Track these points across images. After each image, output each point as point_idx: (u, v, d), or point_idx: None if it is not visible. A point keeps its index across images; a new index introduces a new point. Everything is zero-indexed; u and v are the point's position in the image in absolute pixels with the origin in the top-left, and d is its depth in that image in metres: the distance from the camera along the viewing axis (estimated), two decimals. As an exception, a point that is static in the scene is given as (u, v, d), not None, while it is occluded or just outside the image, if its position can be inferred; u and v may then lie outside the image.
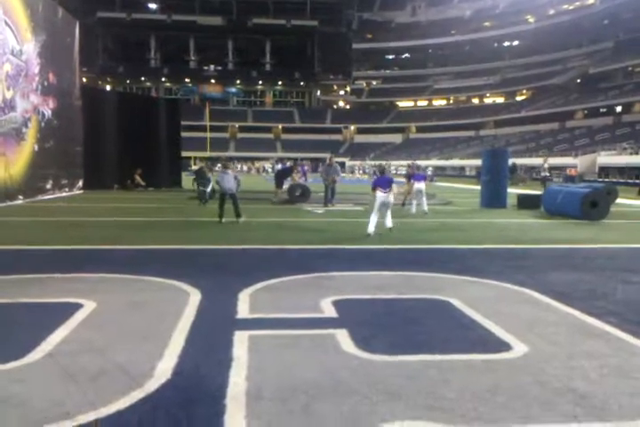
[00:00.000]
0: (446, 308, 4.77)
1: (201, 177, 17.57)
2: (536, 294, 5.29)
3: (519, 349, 3.70)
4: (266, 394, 2.91)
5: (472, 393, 2.95)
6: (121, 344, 3.69)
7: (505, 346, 3.76)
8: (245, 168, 64.36)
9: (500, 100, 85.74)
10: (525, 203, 15.86)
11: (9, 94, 15.96)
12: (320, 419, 2.66)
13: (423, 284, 5.73)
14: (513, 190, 20.00)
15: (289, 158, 71.55)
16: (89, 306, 4.58)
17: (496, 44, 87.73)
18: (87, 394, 2.89)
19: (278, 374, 3.18)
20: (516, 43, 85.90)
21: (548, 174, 26.17)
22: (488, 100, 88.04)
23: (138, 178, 23.36)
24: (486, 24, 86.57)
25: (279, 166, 49.90)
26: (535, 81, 78.31)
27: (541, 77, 77.20)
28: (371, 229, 9.43)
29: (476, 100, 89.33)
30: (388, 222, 9.84)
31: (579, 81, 72.35)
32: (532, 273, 6.37)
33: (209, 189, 16.76)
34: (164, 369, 3.23)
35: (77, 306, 4.56)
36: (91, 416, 2.65)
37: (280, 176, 18.36)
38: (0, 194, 14.92)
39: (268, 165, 65.38)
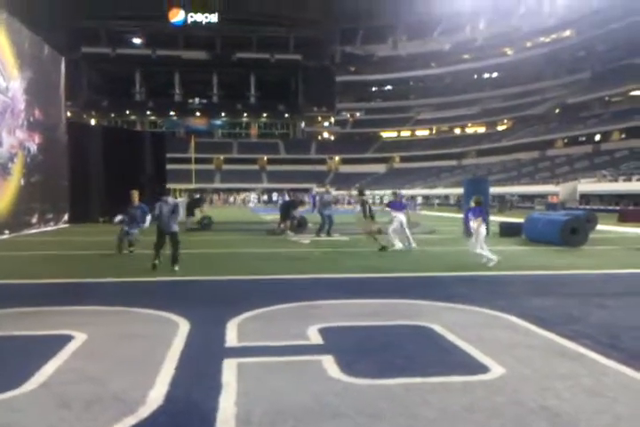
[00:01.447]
0: (428, 333, 4.93)
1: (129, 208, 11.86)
2: (515, 319, 5.48)
3: (496, 371, 3.87)
4: (254, 418, 3.04)
5: (450, 413, 3.11)
6: (113, 373, 3.80)
7: (483, 368, 3.93)
8: (232, 199, 64.50)
9: (482, 129, 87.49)
10: (507, 231, 16.16)
11: (-5, 130, 16.14)
12: (306, 440, 2.79)
13: (405, 311, 5.90)
14: (497, 218, 20.38)
15: (275, 189, 71.93)
16: (80, 338, 4.68)
17: (476, 76, 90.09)
18: (83, 421, 3.00)
19: (266, 399, 3.32)
20: (495, 74, 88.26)
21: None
22: (469, 131, 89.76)
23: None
24: (466, 56, 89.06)
25: (277, 198, 50.53)
26: (515, 111, 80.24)
27: (521, 108, 79.12)
28: (492, 257, 9.70)
29: (457, 131, 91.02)
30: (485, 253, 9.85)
31: (557, 111, 74.22)
32: (512, 299, 6.57)
33: (133, 229, 11.53)
34: (155, 396, 3.35)
35: (68, 338, 4.66)
36: (86, 442, 2.76)
37: (286, 208, 17.51)
38: (-14, 229, 14.94)
39: (253, 196, 65.62)
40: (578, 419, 3.07)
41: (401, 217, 12.56)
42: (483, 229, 9.84)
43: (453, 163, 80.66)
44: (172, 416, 3.07)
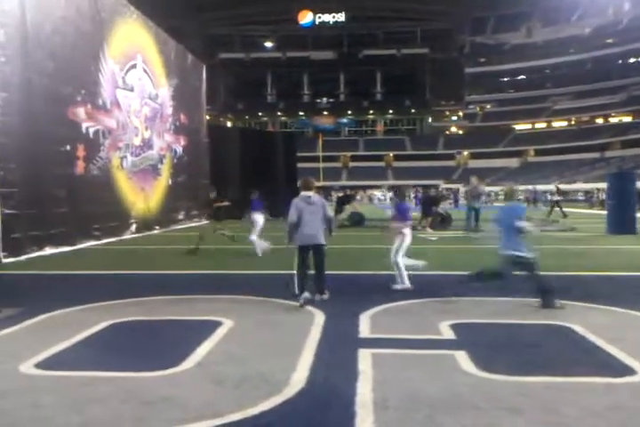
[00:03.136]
0: (568, 333, 4.76)
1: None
2: (666, 322, 5.12)
3: (644, 374, 3.68)
4: (391, 404, 3.17)
5: (592, 412, 3.03)
6: (259, 356, 4.13)
7: (628, 370, 3.74)
8: (359, 197, 64.42)
9: (628, 118, 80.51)
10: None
11: (147, 134, 17.78)
12: (443, 428, 2.88)
13: (543, 310, 5.70)
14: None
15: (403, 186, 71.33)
16: (227, 324, 5.11)
17: (620, 61, 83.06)
18: (235, 397, 3.32)
19: (401, 388, 3.44)
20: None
21: (559, 198, 24.92)
22: (614, 120, 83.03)
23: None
24: (608, 40, 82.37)
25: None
26: (667, 97, 72.96)
27: (674, 93, 71.79)
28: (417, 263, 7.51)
29: (600, 120, 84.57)
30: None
31: None
32: (663, 301, 6.11)
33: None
34: (298, 379, 3.61)
35: (218, 323, 5.11)
36: (238, 416, 3.05)
37: (427, 204, 17.41)
38: (140, 225, 16.51)
39: (379, 194, 65.73)
40: None
41: (258, 218, 10.99)
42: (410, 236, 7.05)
43: (595, 155, 75.04)
44: (314, 398, 3.30)
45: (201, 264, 9.67)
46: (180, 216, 20.24)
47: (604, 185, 48.29)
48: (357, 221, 19.15)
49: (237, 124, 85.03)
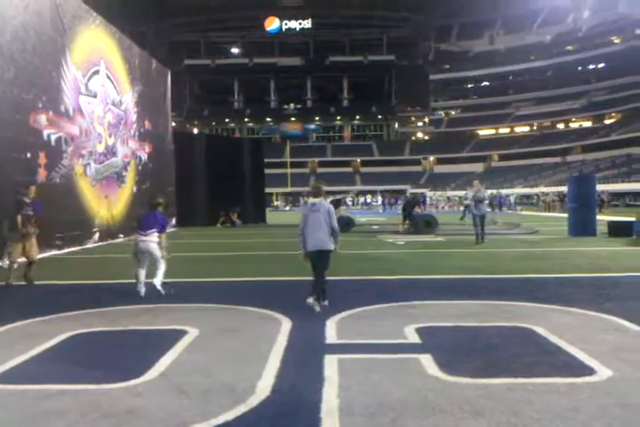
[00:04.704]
0: (530, 335, 4.85)
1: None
2: (624, 322, 5.24)
3: (603, 373, 3.76)
4: (356, 410, 3.17)
5: (554, 413, 3.08)
6: (224, 365, 4.09)
7: (589, 370, 3.83)
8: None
9: (588, 124, 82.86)
10: (617, 230, 15.30)
11: (111, 141, 17.49)
12: (407, 432, 2.89)
13: (507, 312, 5.80)
14: (605, 217, 19.33)
15: (369, 191, 72.06)
16: (193, 332, 5.04)
17: (580, 68, 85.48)
18: (199, 407, 3.27)
19: (367, 393, 3.44)
20: (601, 65, 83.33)
21: (469, 203, 25.56)
22: (574, 125, 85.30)
23: (232, 216, 24.39)
24: (569, 48, 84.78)
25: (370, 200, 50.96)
26: (625, 103, 75.21)
27: (632, 99, 74.06)
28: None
29: (561, 126, 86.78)
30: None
31: (673, 101, 68.81)
32: (622, 301, 6.27)
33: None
34: (263, 387, 3.58)
35: (183, 332, 5.04)
36: (203, 426, 3.01)
37: (408, 208, 17.79)
38: (104, 233, 16.21)
39: (348, 199, 66.07)
40: (693, 425, 2.94)
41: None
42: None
43: (557, 159, 76.92)
44: (279, 406, 3.27)
45: (167, 272, 9.50)
46: (146, 224, 19.94)
47: (548, 189, 50.32)
48: (346, 224, 18.80)
49: (204, 131, 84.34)
